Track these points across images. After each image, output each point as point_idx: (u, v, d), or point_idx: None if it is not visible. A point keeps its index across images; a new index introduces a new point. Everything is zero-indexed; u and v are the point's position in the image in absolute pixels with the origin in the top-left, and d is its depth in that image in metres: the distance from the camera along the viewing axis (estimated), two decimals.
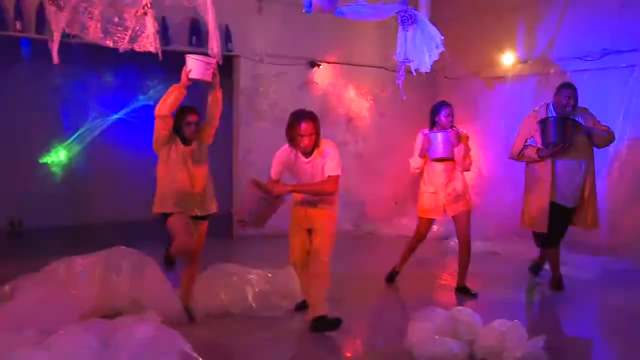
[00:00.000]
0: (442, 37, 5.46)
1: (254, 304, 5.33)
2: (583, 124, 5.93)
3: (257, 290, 5.42)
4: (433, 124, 6.21)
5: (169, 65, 5.75)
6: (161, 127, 4.92)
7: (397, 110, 10.33)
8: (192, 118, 5.01)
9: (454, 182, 6.09)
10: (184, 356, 3.88)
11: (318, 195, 5.00)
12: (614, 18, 8.15)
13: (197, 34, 8.35)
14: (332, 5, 4.95)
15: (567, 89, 6.03)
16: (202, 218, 5.23)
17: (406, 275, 7.01)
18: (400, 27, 5.37)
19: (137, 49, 4.59)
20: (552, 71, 8.85)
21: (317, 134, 4.87)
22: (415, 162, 6.28)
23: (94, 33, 4.45)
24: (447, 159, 6.04)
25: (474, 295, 5.97)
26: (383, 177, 10.35)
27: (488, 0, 9.79)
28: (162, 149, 5.01)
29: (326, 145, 4.98)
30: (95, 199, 10.05)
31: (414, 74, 5.65)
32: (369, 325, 5.28)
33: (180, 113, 5.00)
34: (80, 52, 8.22)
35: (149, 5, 4.49)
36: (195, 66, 4.86)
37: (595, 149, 6.11)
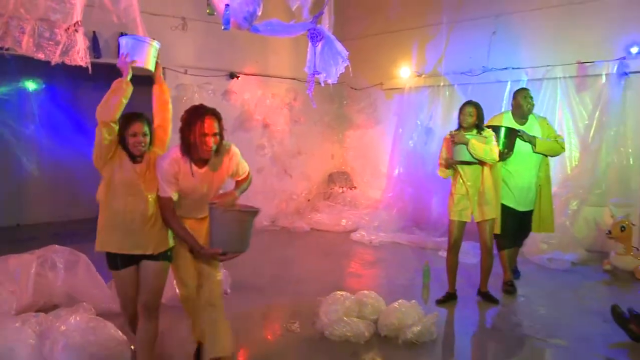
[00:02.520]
0: (347, 53, 5.53)
1: None
2: (526, 132, 5.63)
3: None
4: (459, 126, 5.42)
5: (100, 76, 5.53)
6: (103, 137, 3.41)
7: (309, 117, 10.46)
8: (138, 127, 3.52)
9: (482, 186, 5.29)
10: (118, 344, 3.80)
11: (248, 187, 4.00)
12: (488, 41, 8.54)
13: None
14: (248, 23, 4.93)
15: (524, 91, 5.79)
16: (155, 257, 3.61)
17: (318, 264, 7.09)
18: (310, 43, 5.41)
19: (67, 62, 4.44)
20: (442, 84, 9.16)
21: (221, 135, 3.58)
22: (443, 173, 5.49)
23: (26, 46, 4.28)
24: (471, 162, 5.25)
25: (496, 302, 5.42)
26: (297, 176, 10.45)
27: (387, 22, 10.05)
28: (105, 168, 3.51)
29: (230, 152, 3.72)
30: (30, 200, 9.69)
31: (323, 85, 5.70)
32: (286, 310, 5.30)
33: (123, 121, 3.51)
34: (14, 64, 7.89)
35: (79, 24, 4.35)
36: (136, 49, 3.67)
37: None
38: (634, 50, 7.14)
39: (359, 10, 10.44)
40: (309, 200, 10.54)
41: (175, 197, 3.57)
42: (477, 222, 5.37)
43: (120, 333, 3.88)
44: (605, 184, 7.27)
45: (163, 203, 3.55)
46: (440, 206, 8.97)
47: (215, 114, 3.59)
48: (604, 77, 7.38)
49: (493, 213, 5.33)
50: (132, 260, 3.54)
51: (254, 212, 3.68)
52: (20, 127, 9.49)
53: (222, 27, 4.85)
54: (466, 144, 5.12)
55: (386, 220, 9.15)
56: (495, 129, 5.49)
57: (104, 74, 5.50)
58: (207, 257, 3.65)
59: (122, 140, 3.51)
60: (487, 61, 8.55)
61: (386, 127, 10.33)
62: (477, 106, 5.32)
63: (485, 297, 5.50)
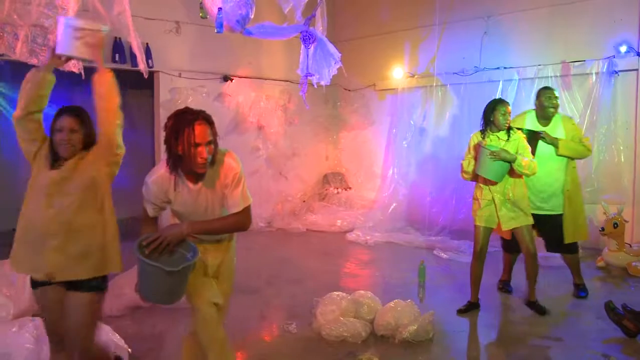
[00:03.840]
0: (340, 54, 5.54)
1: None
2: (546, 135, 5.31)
3: None
4: (488, 124, 4.97)
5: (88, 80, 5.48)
6: (19, 136, 2.96)
7: (303, 119, 10.46)
8: (65, 122, 2.94)
9: (512, 193, 4.90)
10: (115, 347, 3.79)
11: (229, 232, 3.20)
12: (479, 42, 8.56)
13: (119, 51, 8.13)
14: (241, 26, 4.93)
15: (548, 90, 5.44)
16: (75, 286, 2.98)
17: (314, 265, 7.08)
18: (302, 45, 5.42)
19: (60, 68, 4.43)
20: (434, 84, 9.17)
21: (215, 143, 2.92)
22: (467, 177, 5.10)
23: (20, 52, 4.27)
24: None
25: (543, 312, 5.01)
26: (292, 178, 10.45)
27: (379, 24, 10.07)
28: (32, 169, 3.00)
29: (227, 160, 3.01)
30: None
31: (316, 86, 5.70)
32: (283, 311, 5.29)
33: (55, 115, 2.96)
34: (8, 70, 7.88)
35: None
36: (64, 33, 2.93)
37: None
38: (623, 49, 7.17)
39: (351, 12, 10.46)
40: (304, 201, 10.53)
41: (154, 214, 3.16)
42: (513, 230, 4.97)
43: (117, 336, 3.87)
44: (598, 182, 7.28)
45: (143, 214, 3.21)
46: (435, 205, 9.00)
47: (206, 118, 2.90)
48: (594, 76, 7.41)
49: (526, 219, 4.94)
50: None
51: (181, 270, 2.75)
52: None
53: (215, 31, 4.85)
54: (512, 161, 4.71)
55: (381, 220, 9.15)
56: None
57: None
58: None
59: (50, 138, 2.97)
60: (479, 61, 8.58)
61: (380, 128, 10.34)
62: (509, 104, 4.95)
63: (534, 307, 5.08)
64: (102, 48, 3.08)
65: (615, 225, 6.47)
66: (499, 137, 4.90)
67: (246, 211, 3.02)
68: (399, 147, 9.75)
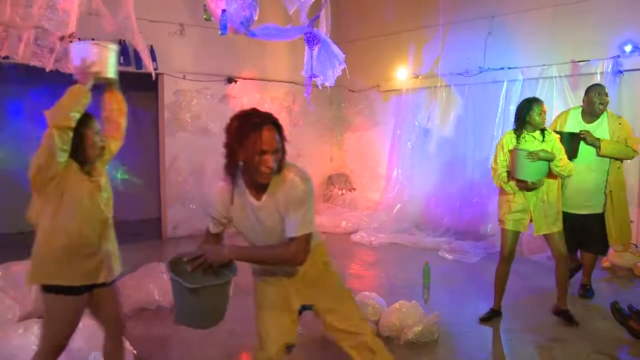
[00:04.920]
0: (344, 56, 5.54)
1: None
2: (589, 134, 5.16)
3: None
4: (523, 124, 4.73)
5: (95, 86, 5.47)
6: (57, 146, 2.74)
7: (307, 120, 10.46)
8: (98, 125, 3.03)
9: (546, 196, 4.72)
10: None
11: (279, 265, 2.80)
12: (483, 42, 8.55)
13: (124, 54, 8.15)
14: (245, 28, 4.93)
15: (598, 87, 5.30)
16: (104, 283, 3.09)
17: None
18: (306, 47, 5.42)
19: (61, 69, 4.45)
20: (438, 85, 9.15)
21: (283, 150, 2.61)
22: (504, 185, 4.80)
23: (22, 54, 4.29)
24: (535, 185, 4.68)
25: (574, 324, 4.77)
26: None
27: (383, 24, 10.07)
28: (49, 184, 2.83)
29: (292, 176, 2.65)
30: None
31: (320, 87, 5.70)
32: None
33: (81, 122, 2.86)
34: (13, 72, 7.89)
35: (74, 35, 4.34)
36: (95, 54, 3.09)
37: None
38: (628, 48, 7.13)
39: (355, 13, 10.45)
40: None
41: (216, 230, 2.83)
42: (544, 235, 4.78)
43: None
44: None
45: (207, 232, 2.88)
46: (439, 206, 8.98)
47: (274, 122, 2.58)
48: (598, 76, 7.36)
49: (559, 225, 4.76)
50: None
51: (201, 289, 2.49)
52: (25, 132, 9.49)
53: (219, 33, 4.85)
54: (552, 160, 4.55)
55: (386, 221, 9.14)
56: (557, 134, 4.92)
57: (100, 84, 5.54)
58: None
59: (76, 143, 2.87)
60: (483, 62, 8.56)
61: (384, 129, 10.33)
62: (544, 103, 4.74)
63: (565, 316, 4.85)
64: (105, 64, 3.15)
65: None
66: (534, 137, 4.71)
67: (302, 241, 2.58)
68: (403, 148, 9.73)
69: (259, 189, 2.63)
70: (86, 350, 3.64)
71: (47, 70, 4.38)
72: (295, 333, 2.91)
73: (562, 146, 4.71)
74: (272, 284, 2.83)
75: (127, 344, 3.83)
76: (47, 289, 2.93)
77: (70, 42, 3.98)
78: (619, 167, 5.34)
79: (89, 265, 2.95)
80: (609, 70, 7.24)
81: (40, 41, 4.26)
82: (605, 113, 5.31)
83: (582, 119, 5.37)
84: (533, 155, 4.50)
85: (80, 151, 2.91)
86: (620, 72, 7.19)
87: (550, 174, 4.64)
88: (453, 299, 5.56)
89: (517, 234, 4.81)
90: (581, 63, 7.54)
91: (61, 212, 2.87)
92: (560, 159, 4.57)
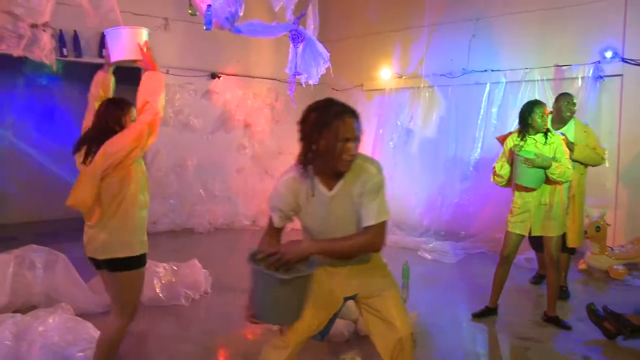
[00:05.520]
0: (329, 54, 5.53)
1: (161, 295, 5.20)
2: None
3: (164, 282, 5.29)
4: (525, 127, 4.75)
5: (82, 75, 5.41)
6: (151, 134, 3.19)
7: (290, 117, 10.42)
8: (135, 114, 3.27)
9: (550, 199, 4.71)
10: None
11: (357, 254, 2.70)
12: (467, 44, 8.60)
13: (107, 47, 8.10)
14: (230, 23, 4.91)
15: (567, 96, 5.52)
16: None
17: None
18: (291, 44, 5.40)
19: (30, 56, 4.35)
20: (422, 85, 9.19)
21: (360, 140, 2.63)
22: (501, 183, 4.90)
23: None
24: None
25: (568, 328, 4.75)
26: (278, 176, 10.37)
27: (368, 24, 10.08)
28: (132, 164, 3.18)
29: (368, 165, 2.66)
30: (9, 200, 9.52)
31: (304, 85, 5.69)
32: None
33: (121, 107, 3.23)
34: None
35: (47, 24, 4.27)
36: (114, 42, 3.37)
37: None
38: (608, 54, 7.22)
39: (340, 12, 10.44)
40: None
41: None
42: (542, 236, 4.80)
43: (99, 333, 3.82)
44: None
45: (268, 224, 2.87)
46: (420, 206, 9.01)
47: (354, 112, 2.64)
48: (580, 81, 7.45)
49: (560, 229, 4.76)
50: None
51: (294, 280, 2.48)
52: None
53: (204, 28, 4.83)
54: (548, 167, 4.55)
55: None
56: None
57: (85, 73, 5.44)
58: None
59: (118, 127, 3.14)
60: (467, 63, 8.60)
61: (367, 128, 10.18)
62: (546, 106, 4.78)
63: (554, 322, 4.83)
64: (149, 50, 3.35)
65: (598, 229, 6.52)
66: (536, 140, 4.73)
67: (380, 227, 2.59)
68: (385, 148, 9.75)
69: (331, 178, 2.63)
70: (63, 346, 3.60)
71: (15, 55, 4.28)
72: (326, 326, 2.85)
73: (566, 149, 4.76)
74: (316, 279, 2.70)
75: None
76: (127, 262, 3.15)
77: (43, 30, 4.04)
78: (582, 174, 5.55)
79: (145, 237, 3.28)
80: (590, 75, 7.33)
81: (8, 25, 4.16)
82: (572, 120, 5.51)
83: (552, 124, 5.46)
84: (529, 162, 4.54)
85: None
86: (601, 77, 7.29)
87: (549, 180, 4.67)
88: (432, 299, 5.59)
89: (519, 237, 4.81)
90: (563, 67, 7.62)
91: (138, 188, 3.16)
92: (557, 166, 4.56)
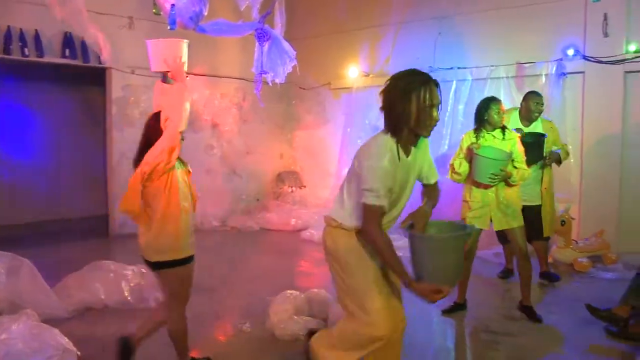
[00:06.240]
0: (295, 52, 5.50)
1: (129, 298, 5.13)
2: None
3: (132, 285, 5.22)
4: (482, 123, 4.84)
5: (44, 75, 5.31)
6: (176, 150, 3.37)
7: (257, 117, 10.41)
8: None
9: (504, 195, 4.77)
10: (63, 351, 3.67)
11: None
12: (434, 42, 8.65)
13: (70, 47, 7.95)
14: (194, 23, 4.85)
15: (536, 96, 5.67)
16: None
17: (268, 264, 7.04)
18: (257, 43, 5.37)
19: None
20: None
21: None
22: (458, 178, 4.93)
23: None
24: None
25: (538, 320, 4.81)
26: (246, 176, 10.38)
27: (335, 22, 10.08)
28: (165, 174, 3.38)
29: None
30: None
31: (270, 84, 5.66)
32: (237, 311, 5.24)
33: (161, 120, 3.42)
34: None
35: None
36: (155, 53, 3.58)
37: None
38: (570, 52, 7.35)
39: (307, 10, 10.42)
40: (258, 200, 10.48)
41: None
42: (505, 230, 4.85)
43: (66, 340, 3.75)
44: None
45: (374, 215, 2.72)
46: None
47: (436, 81, 2.79)
48: (543, 78, 7.57)
49: (521, 220, 4.83)
50: None
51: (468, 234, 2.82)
52: None
53: (168, 27, 4.77)
54: (509, 177, 4.66)
55: (320, 217, 9.16)
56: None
57: (47, 73, 5.35)
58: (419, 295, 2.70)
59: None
60: (433, 61, 8.65)
61: (334, 127, 10.35)
62: (502, 102, 4.86)
63: (529, 312, 4.88)
64: (182, 62, 3.64)
65: (563, 223, 6.62)
66: (494, 136, 4.79)
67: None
68: (353, 146, 9.75)
69: (407, 145, 2.81)
70: (28, 353, 3.51)
71: None
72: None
73: (522, 148, 4.81)
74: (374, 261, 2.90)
75: (70, 345, 3.73)
76: (169, 264, 3.39)
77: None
78: (550, 168, 5.81)
79: (192, 239, 3.49)
80: (553, 72, 7.45)
81: None
82: (539, 118, 5.75)
83: (521, 122, 5.71)
84: (496, 177, 4.61)
85: None
86: (564, 74, 7.41)
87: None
88: (402, 296, 5.60)
89: (478, 232, 4.89)
90: (527, 65, 7.72)
91: (178, 194, 3.36)
92: (516, 172, 4.68)
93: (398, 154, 2.75)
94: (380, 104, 2.87)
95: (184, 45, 3.70)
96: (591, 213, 7.24)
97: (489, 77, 8.07)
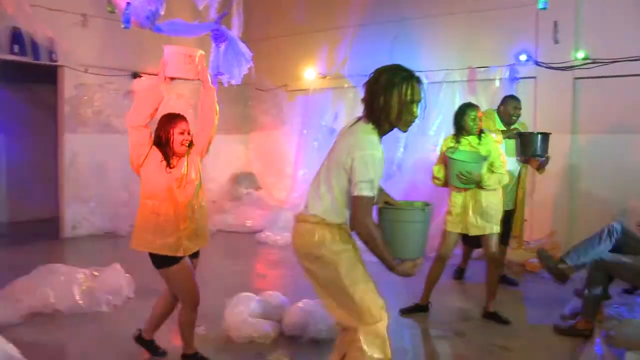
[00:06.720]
0: (251, 54, 5.49)
1: (81, 301, 5.02)
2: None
3: (83, 288, 5.11)
4: (459, 129, 4.91)
5: None
6: (136, 141, 3.52)
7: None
8: (185, 125, 3.63)
9: (484, 200, 4.79)
10: (9, 358, 3.56)
11: None
12: (390, 45, 8.71)
13: (20, 43, 7.72)
14: (151, 22, 4.80)
15: (516, 101, 5.78)
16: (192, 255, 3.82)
17: (223, 266, 6.99)
18: (213, 44, 5.34)
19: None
20: (345, 86, 9.28)
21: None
22: (438, 181, 4.99)
23: None
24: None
25: (507, 322, 4.83)
26: (202, 179, 10.27)
27: (294, 24, 10.06)
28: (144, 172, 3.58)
29: None
30: None
31: (226, 85, 5.63)
32: None
33: (168, 121, 3.61)
34: None
35: None
36: (172, 59, 3.71)
37: None
38: (523, 57, 7.51)
39: (264, 11, 10.39)
40: (214, 201, 10.38)
41: None
42: (481, 236, 4.87)
43: (11, 346, 3.62)
44: None
45: (368, 206, 2.71)
46: None
47: (419, 78, 2.86)
48: (497, 82, 7.73)
49: (497, 227, 4.85)
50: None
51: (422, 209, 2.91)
52: None
53: (123, 26, 4.70)
54: (479, 182, 4.68)
55: (291, 221, 9.11)
56: (525, 134, 5.42)
57: None
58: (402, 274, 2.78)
59: (160, 141, 3.57)
60: (390, 63, 8.70)
61: (291, 128, 10.34)
62: (479, 109, 4.92)
63: (494, 318, 4.89)
64: (204, 68, 3.76)
65: None
66: (470, 142, 4.86)
67: None
68: (309, 148, 9.78)
69: (380, 137, 2.81)
70: None
71: None
72: None
73: (500, 151, 4.89)
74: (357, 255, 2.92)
75: (15, 352, 3.60)
76: (154, 259, 3.60)
77: None
78: (526, 167, 5.86)
79: (168, 241, 3.53)
80: (507, 77, 7.61)
81: None
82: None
83: (500, 124, 5.78)
84: (462, 178, 4.64)
85: (167, 148, 3.57)
86: (517, 79, 7.57)
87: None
88: None
89: (456, 236, 4.94)
90: (481, 69, 7.87)
91: (146, 194, 3.55)
92: (489, 176, 4.69)
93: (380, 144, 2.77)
94: (363, 96, 2.92)
95: (200, 53, 3.84)
96: (543, 215, 7.40)
97: (445, 81, 8.19)
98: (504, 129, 5.71)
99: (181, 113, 3.69)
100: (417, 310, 5.08)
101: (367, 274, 2.88)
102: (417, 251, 2.82)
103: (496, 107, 5.93)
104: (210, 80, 3.78)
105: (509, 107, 5.73)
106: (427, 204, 2.99)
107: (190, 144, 3.69)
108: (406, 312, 5.06)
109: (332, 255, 2.81)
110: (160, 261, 3.58)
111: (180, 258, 3.61)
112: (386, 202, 3.00)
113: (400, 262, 2.75)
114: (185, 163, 3.65)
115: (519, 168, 5.80)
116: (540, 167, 5.58)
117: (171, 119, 3.60)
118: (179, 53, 3.70)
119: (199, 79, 3.78)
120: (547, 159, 5.51)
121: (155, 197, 3.53)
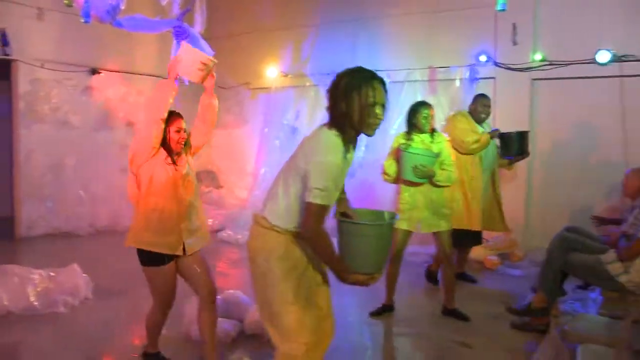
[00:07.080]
0: (213, 52, 5.44)
1: (36, 303, 4.90)
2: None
3: (39, 289, 4.99)
4: (411, 127, 4.94)
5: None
6: (154, 136, 3.45)
7: None
8: (182, 123, 3.60)
9: (435, 193, 4.84)
10: None
11: None
12: (352, 44, 8.77)
13: None
14: (111, 17, 4.71)
15: (486, 99, 5.85)
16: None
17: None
18: (174, 41, 5.27)
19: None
20: (307, 84, 9.28)
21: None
22: (388, 177, 5.01)
23: None
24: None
25: (467, 319, 4.91)
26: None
27: (255, 22, 10.06)
28: (147, 169, 3.53)
29: None
30: None
31: (187, 83, 5.56)
32: None
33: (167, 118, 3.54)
34: None
35: None
36: (187, 60, 3.56)
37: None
38: (483, 58, 7.63)
39: (226, 8, 10.31)
40: None
41: None
42: (433, 233, 4.92)
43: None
44: None
45: (321, 215, 2.61)
46: None
47: (382, 80, 2.73)
48: (458, 82, 7.84)
49: (449, 224, 4.92)
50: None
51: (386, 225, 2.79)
52: None
53: (82, 20, 4.61)
54: (433, 176, 4.70)
55: (248, 220, 9.11)
56: (507, 134, 5.62)
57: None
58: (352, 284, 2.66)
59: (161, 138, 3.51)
60: (352, 63, 8.70)
61: (253, 127, 10.30)
62: (432, 107, 4.96)
63: (455, 315, 4.97)
64: (213, 77, 3.67)
65: None
66: (422, 140, 4.89)
67: None
68: (271, 146, 9.76)
69: (350, 144, 2.71)
70: None
71: None
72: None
73: (452, 151, 5.00)
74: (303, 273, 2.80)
75: None
76: (139, 254, 3.58)
77: None
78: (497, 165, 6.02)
79: (168, 239, 3.50)
80: (467, 77, 7.72)
81: None
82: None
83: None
84: (416, 172, 4.66)
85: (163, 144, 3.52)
86: (477, 79, 7.69)
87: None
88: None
89: (408, 234, 4.92)
90: (442, 69, 7.96)
91: (150, 192, 3.48)
92: (441, 172, 4.73)
93: (344, 151, 2.64)
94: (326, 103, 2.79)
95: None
96: None
97: (406, 80, 8.26)
98: (489, 130, 5.79)
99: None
100: (385, 310, 5.11)
101: (310, 295, 2.79)
102: (371, 266, 2.65)
103: (467, 108, 5.99)
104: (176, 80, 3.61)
105: (478, 105, 5.80)
106: (392, 217, 2.88)
107: (187, 142, 3.66)
108: (375, 314, 5.07)
109: (273, 268, 2.70)
110: (151, 259, 3.54)
111: (171, 260, 3.57)
112: (342, 213, 2.87)
113: (354, 274, 2.62)
114: (187, 161, 3.65)
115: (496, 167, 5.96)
116: (511, 164, 5.79)
117: (168, 116, 3.53)
118: (195, 56, 3.55)
119: (202, 84, 3.70)
120: (528, 154, 5.79)
121: (160, 195, 3.48)
